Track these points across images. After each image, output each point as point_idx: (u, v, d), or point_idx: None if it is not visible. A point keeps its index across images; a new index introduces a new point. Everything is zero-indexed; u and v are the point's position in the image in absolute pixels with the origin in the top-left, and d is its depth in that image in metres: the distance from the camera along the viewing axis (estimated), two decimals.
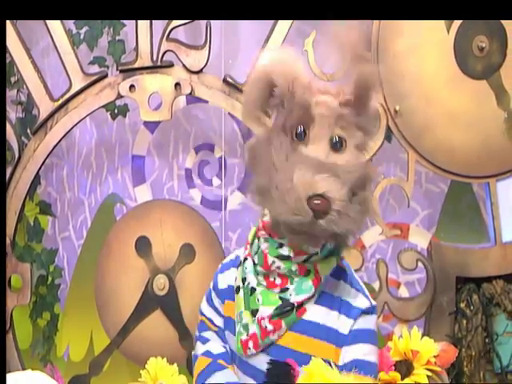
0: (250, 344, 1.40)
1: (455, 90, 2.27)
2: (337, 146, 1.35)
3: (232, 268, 1.50)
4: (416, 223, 2.50)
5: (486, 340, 2.29)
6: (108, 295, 2.35)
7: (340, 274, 1.44)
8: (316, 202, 1.28)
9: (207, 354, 1.50)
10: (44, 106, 2.31)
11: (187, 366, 2.13)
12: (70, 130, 2.35)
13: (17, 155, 2.32)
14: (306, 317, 1.39)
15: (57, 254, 2.56)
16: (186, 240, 2.36)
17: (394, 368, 1.55)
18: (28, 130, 2.38)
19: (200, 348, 1.52)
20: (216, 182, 2.55)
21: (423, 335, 1.67)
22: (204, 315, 1.53)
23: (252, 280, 1.42)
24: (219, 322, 1.50)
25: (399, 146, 2.32)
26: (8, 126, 2.33)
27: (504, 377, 2.29)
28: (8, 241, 2.30)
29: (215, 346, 1.50)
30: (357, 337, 1.40)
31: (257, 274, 1.42)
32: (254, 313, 1.40)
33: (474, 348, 2.28)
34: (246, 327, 1.41)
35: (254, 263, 1.42)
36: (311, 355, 1.34)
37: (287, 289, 1.39)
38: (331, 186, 1.28)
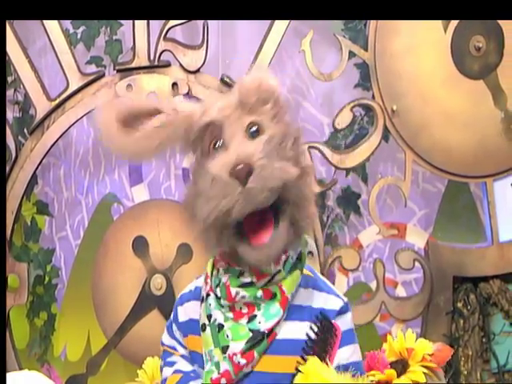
0: (223, 381, 1.35)
1: (452, 90, 2.28)
2: (252, 133, 1.30)
3: (192, 300, 1.45)
4: (413, 223, 2.52)
5: (483, 339, 2.30)
6: (105, 295, 2.35)
7: (305, 281, 1.40)
8: (237, 168, 1.22)
9: (177, 371, 1.46)
10: (41, 106, 2.33)
11: None
12: (67, 130, 2.37)
13: (14, 155, 2.34)
14: (278, 336, 1.35)
15: (54, 254, 2.56)
16: (183, 240, 2.34)
17: (390, 368, 1.52)
18: (25, 130, 2.39)
19: (168, 371, 1.48)
20: None
21: (420, 335, 1.69)
22: (166, 345, 1.50)
23: (218, 316, 1.37)
24: (183, 351, 1.47)
25: (396, 146, 2.34)
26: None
27: (501, 376, 2.30)
28: (5, 242, 2.30)
29: (184, 365, 1.46)
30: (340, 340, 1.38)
31: (222, 307, 1.37)
32: (224, 349, 1.35)
33: (471, 347, 2.29)
34: (217, 365, 1.35)
35: (217, 297, 1.37)
36: (292, 373, 1.31)
37: (255, 316, 1.35)
38: (247, 149, 1.25)
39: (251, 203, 1.23)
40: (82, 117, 2.36)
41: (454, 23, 2.26)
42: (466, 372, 2.27)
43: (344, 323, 1.38)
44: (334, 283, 2.37)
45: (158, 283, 2.35)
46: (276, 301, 1.33)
